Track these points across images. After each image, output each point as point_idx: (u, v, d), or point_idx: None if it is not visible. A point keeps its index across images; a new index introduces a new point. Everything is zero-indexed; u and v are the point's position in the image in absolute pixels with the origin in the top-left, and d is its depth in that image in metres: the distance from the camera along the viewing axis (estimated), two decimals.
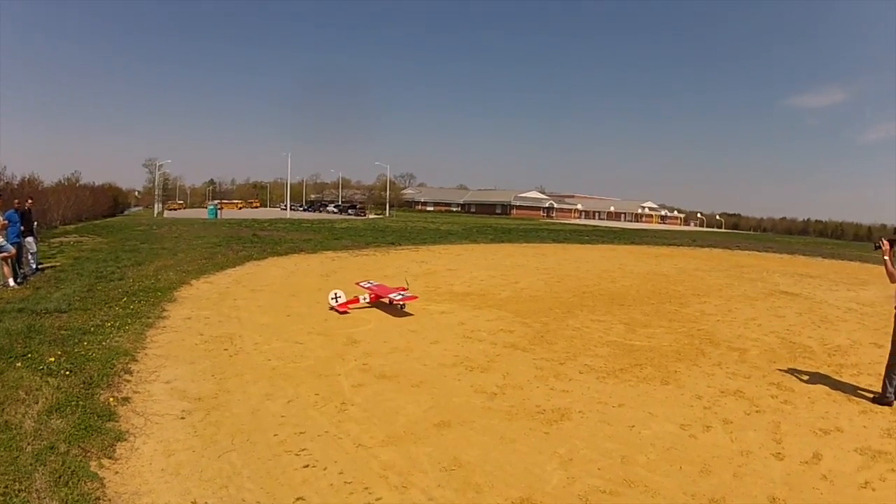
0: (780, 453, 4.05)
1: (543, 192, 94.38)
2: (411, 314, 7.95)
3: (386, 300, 8.26)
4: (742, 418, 4.75)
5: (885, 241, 4.99)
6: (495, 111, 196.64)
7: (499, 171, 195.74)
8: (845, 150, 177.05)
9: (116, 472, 3.13)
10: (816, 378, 6.04)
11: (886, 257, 4.99)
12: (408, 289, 8.50)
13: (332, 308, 7.93)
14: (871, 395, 5.37)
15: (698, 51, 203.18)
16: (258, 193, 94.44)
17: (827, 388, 5.68)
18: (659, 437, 4.26)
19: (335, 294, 8.02)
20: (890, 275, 5.02)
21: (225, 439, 3.63)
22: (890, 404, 5.12)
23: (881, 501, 3.43)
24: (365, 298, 8.24)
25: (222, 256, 12.68)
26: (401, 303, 8.17)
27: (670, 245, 28.13)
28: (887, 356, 5.18)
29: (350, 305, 8.04)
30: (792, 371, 6.27)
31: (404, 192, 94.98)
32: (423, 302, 8.41)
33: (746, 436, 4.37)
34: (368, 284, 8.84)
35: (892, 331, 5.03)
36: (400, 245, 18.67)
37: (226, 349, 5.67)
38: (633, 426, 4.42)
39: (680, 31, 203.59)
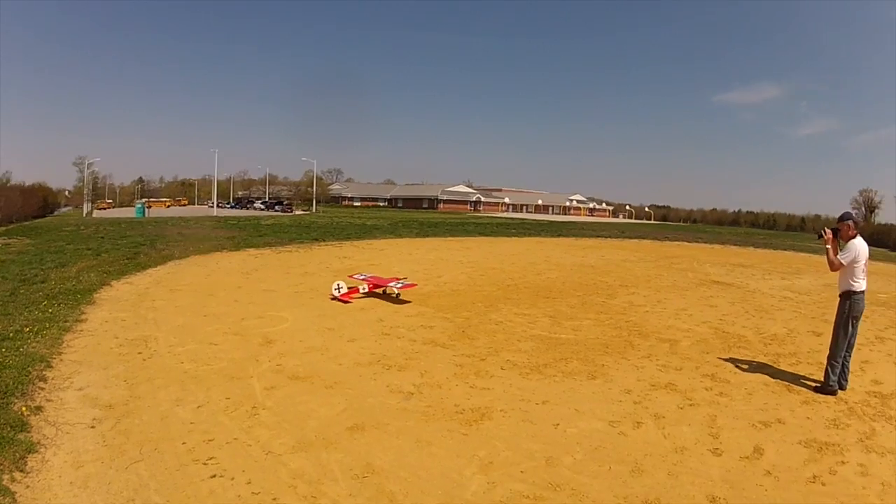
0: (717, 449, 4.71)
1: (471, 186, 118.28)
2: (348, 305, 9.76)
3: (388, 289, 11.11)
4: (675, 413, 5.52)
5: (827, 231, 6.47)
6: (422, 106, 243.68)
7: (427, 166, 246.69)
8: (779, 144, 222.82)
9: (28, 486, 3.81)
10: (753, 368, 7.20)
11: (828, 246, 6.44)
12: (405, 278, 11.61)
13: (333, 298, 10.50)
14: (814, 385, 6.52)
15: (632, 50, 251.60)
16: (186, 191, 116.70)
17: (765, 378, 6.80)
18: (586, 435, 4.90)
19: (338, 285, 10.68)
20: (831, 263, 6.45)
21: (133, 449, 4.34)
22: (834, 393, 6.24)
23: (832, 497, 4.07)
24: (363, 289, 11.03)
25: (145, 256, 15.45)
26: (398, 291, 11.01)
27: (598, 237, 34.47)
28: (828, 344, 6.46)
29: (352, 295, 10.72)
30: (726, 362, 7.42)
31: (331, 187, 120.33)
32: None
33: (680, 431, 5.05)
34: (362, 276, 11.75)
35: (830, 318, 6.22)
36: (324, 241, 22.77)
37: (140, 352, 6.79)
38: (559, 424, 5.08)
39: (611, 32, 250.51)
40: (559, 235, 34.37)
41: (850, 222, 6.39)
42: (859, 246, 6.27)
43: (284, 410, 5.17)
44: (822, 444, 5.00)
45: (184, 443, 4.46)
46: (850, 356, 6.52)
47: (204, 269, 14.25)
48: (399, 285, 11.12)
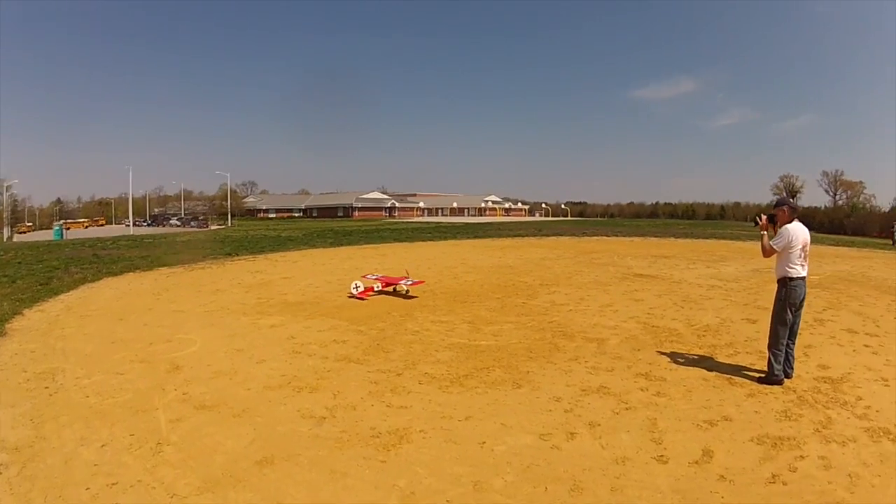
0: (662, 456, 4.63)
1: (385, 193, 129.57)
2: (239, 327, 9.90)
3: (398, 287, 13.14)
4: (611, 419, 5.44)
5: (763, 217, 6.76)
6: (333, 114, 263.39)
7: (341, 175, 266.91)
8: (696, 136, 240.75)
9: None
10: (689, 363, 7.32)
11: (763, 232, 6.70)
12: (408, 276, 13.79)
13: (351, 296, 12.51)
14: (758, 376, 6.68)
15: (544, 47, 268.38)
16: (104, 210, 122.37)
17: (703, 372, 6.91)
18: (516, 452, 4.76)
19: (356, 284, 12.75)
20: (763, 249, 6.72)
21: (38, 497, 4.27)
22: (780, 382, 6.40)
23: (796, 497, 4.04)
24: (378, 287, 13.21)
25: (58, 280, 15.90)
26: (407, 288, 12.98)
27: (515, 236, 36.48)
28: (768, 332, 6.67)
29: (368, 294, 12.72)
30: (660, 358, 7.54)
31: (246, 200, 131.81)
32: (252, 316, 10.73)
33: (619, 439, 4.96)
34: (374, 277, 14.01)
35: (763, 304, 6.46)
36: (237, 255, 23.99)
37: (46, 387, 6.78)
38: (485, 442, 4.98)
39: (523, 30, 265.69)
40: (476, 237, 36.19)
41: (786, 207, 6.66)
42: (794, 231, 6.46)
43: (190, 445, 5.08)
44: (775, 439, 5.02)
45: (87, 488, 4.38)
46: (793, 344, 6.70)
47: (116, 291, 14.41)
48: (409, 283, 13.06)
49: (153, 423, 5.62)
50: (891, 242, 40.41)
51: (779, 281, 6.64)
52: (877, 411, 5.72)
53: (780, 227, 6.61)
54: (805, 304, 6.75)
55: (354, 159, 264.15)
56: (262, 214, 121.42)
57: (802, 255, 6.50)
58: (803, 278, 6.51)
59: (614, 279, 15.41)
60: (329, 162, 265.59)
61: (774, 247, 6.56)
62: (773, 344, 6.54)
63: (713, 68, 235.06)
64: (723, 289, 13.76)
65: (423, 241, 33.44)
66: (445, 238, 35.46)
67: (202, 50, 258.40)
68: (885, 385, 6.57)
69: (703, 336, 8.91)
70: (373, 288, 13.05)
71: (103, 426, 5.55)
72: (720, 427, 5.28)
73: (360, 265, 19.60)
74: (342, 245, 30.23)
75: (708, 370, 7.05)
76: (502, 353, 7.86)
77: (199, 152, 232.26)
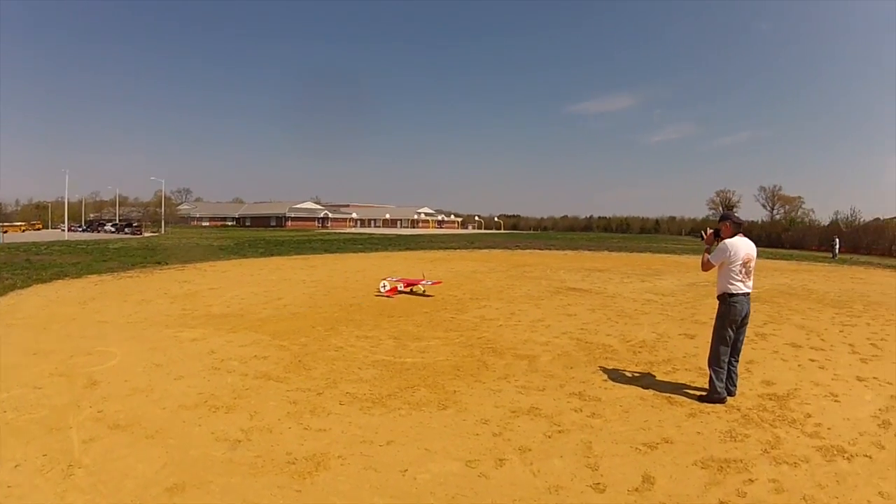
0: (599, 483, 4.40)
1: (319, 203, 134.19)
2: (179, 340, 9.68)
3: (416, 288, 15.15)
4: (543, 443, 5.18)
5: (708, 231, 6.78)
6: (270, 122, 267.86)
7: (275, 183, 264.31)
8: (632, 151, 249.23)
9: None
10: (625, 381, 7.17)
11: (707, 245, 6.70)
12: (425, 277, 16.41)
13: (378, 294, 14.69)
14: (699, 395, 6.59)
15: (478, 60, 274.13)
16: (41, 214, 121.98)
17: (640, 391, 6.76)
18: (440, 481, 4.53)
19: (383, 283, 14.82)
20: (703, 263, 6.72)
21: None
22: (723, 401, 6.32)
23: None
24: (401, 287, 15.21)
25: None
26: (424, 289, 15.16)
27: (447, 248, 37.68)
28: (709, 348, 6.62)
29: (394, 293, 14.73)
30: (594, 376, 7.38)
31: (180, 207, 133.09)
32: (175, 328, 10.55)
33: (552, 466, 4.70)
34: (396, 279, 16.12)
35: (701, 319, 6.33)
36: (167, 264, 24.19)
37: None
38: (407, 470, 4.75)
39: (459, 42, 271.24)
40: (407, 249, 37.25)
41: (728, 222, 6.63)
42: (735, 245, 6.42)
43: (101, 469, 4.88)
44: (721, 462, 4.87)
45: None
46: (736, 361, 6.65)
47: (43, 299, 14.19)
48: (428, 283, 15.17)
49: (66, 442, 5.43)
50: (831, 256, 42.45)
51: (719, 297, 6.61)
52: (828, 429, 5.68)
53: (722, 241, 6.59)
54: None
55: (289, 168, 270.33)
56: (195, 222, 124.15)
57: (744, 270, 6.44)
58: (745, 294, 6.46)
59: (547, 293, 15.46)
60: (264, 171, 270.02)
61: (712, 261, 6.57)
62: (714, 361, 6.47)
63: (651, 85, 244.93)
64: (658, 303, 13.90)
65: (354, 252, 34.07)
66: (377, 250, 36.15)
67: (145, 59, 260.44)
68: (835, 401, 6.59)
69: (639, 352, 8.83)
70: (396, 288, 14.86)
71: (18, 444, 5.39)
72: (661, 450, 5.08)
73: (288, 276, 19.85)
74: (272, 255, 30.67)
75: (645, 388, 6.92)
76: (428, 371, 7.65)
77: (136, 158, 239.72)
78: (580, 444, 5.19)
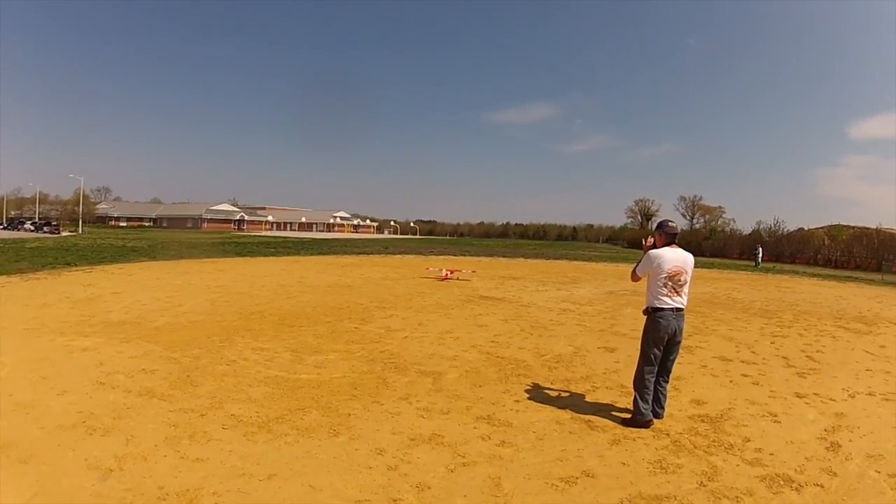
0: None
1: (236, 205, 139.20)
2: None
3: (459, 275, 21.67)
4: (444, 479, 4.60)
5: (648, 239, 6.39)
6: (190, 121, 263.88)
7: (194, 184, 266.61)
8: (552, 159, 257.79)
9: None
10: (539, 401, 6.64)
11: (644, 254, 6.25)
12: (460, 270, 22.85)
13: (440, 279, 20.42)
14: (623, 417, 6.12)
15: (404, 69, 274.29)
16: None
17: (557, 413, 6.23)
18: None
19: (439, 269, 22.55)
20: (632, 273, 6.37)
21: None
22: (648, 424, 5.85)
23: None
24: (451, 273, 21.63)
25: None
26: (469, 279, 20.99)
27: (361, 254, 38.12)
28: (626, 362, 6.22)
29: (449, 276, 21.19)
30: (505, 396, 6.81)
31: (99, 207, 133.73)
32: (69, 336, 10.10)
33: None
34: (445, 271, 21.99)
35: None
36: (76, 265, 24.00)
37: None
38: None
39: (386, 51, 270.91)
40: (320, 253, 37.78)
41: (660, 231, 6.27)
42: (661, 256, 6.04)
43: None
44: (651, 498, 4.36)
45: None
46: (665, 382, 6.24)
47: None
48: (468, 272, 21.49)
49: None
50: (753, 264, 44.08)
51: (644, 311, 6.22)
52: (770, 454, 5.29)
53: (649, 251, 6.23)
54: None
55: (208, 168, 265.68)
56: (113, 222, 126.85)
57: (670, 283, 6.01)
58: (673, 310, 6.01)
59: (457, 302, 15.23)
60: (184, 170, 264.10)
61: (637, 272, 6.28)
62: (638, 382, 6.04)
63: (574, 95, 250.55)
64: (575, 313, 13.72)
65: (267, 256, 34.54)
66: (289, 254, 36.73)
67: (58, 54, 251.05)
68: (775, 421, 6.25)
69: (555, 368, 8.36)
70: (449, 273, 20.65)
71: None
72: (580, 486, 4.53)
73: (194, 280, 19.57)
74: (184, 258, 30.49)
75: (562, 410, 6.39)
76: (323, 389, 7.12)
77: (59, 154, 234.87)
78: (487, 481, 4.59)
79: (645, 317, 6.17)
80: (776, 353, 9.92)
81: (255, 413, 6.30)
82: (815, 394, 7.48)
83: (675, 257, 6.03)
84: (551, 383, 7.51)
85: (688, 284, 6.10)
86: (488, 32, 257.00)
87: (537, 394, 7.01)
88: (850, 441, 5.79)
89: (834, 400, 7.24)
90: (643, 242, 6.50)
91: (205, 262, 28.03)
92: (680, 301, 6.03)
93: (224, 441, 5.51)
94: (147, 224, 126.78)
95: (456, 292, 17.25)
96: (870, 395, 7.65)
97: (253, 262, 29.09)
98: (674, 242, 6.15)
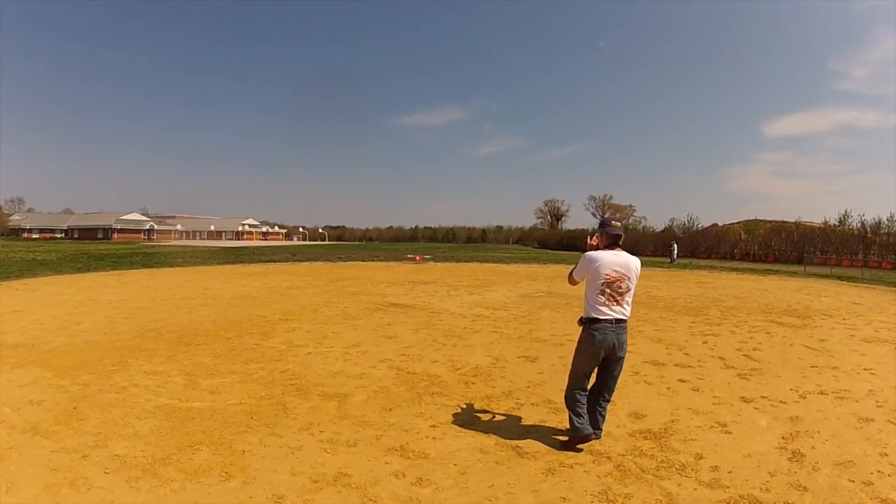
0: None
1: (146, 214, 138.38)
2: None
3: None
4: None
5: (592, 238, 5.70)
6: (96, 130, 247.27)
7: (106, 193, 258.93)
8: (460, 162, 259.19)
9: None
10: (459, 424, 5.94)
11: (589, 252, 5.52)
12: None
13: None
14: (556, 440, 5.45)
15: (300, 69, 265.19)
16: None
17: (479, 439, 5.53)
18: None
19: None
20: (568, 276, 5.71)
21: None
22: (589, 438, 5.20)
23: None
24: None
25: None
26: None
27: (268, 262, 37.54)
28: (560, 376, 5.54)
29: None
30: (418, 421, 6.07)
31: (12, 218, 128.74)
32: None
33: None
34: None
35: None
36: None
37: None
38: None
39: (292, 50, 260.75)
40: (226, 262, 36.78)
41: (601, 231, 5.58)
42: (597, 259, 5.34)
43: None
44: None
45: None
46: (605, 402, 5.59)
47: None
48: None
49: None
50: (669, 261, 45.11)
51: (579, 321, 5.52)
52: (729, 472, 4.73)
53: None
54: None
55: (119, 177, 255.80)
56: (25, 234, 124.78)
57: (608, 290, 5.32)
58: (612, 321, 5.31)
59: (366, 311, 14.57)
60: (95, 178, 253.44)
61: (573, 275, 5.59)
62: (570, 399, 5.38)
63: (482, 98, 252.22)
64: (490, 318, 13.22)
65: (173, 267, 33.43)
66: (196, 264, 35.67)
67: None
68: (726, 432, 5.71)
69: (473, 383, 7.64)
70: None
71: None
72: None
73: (96, 295, 18.63)
74: (91, 271, 29.55)
75: (486, 435, 5.66)
76: (216, 420, 6.32)
77: None
78: None
79: (580, 328, 5.49)
80: (711, 354, 9.59)
81: (141, 452, 5.55)
82: (762, 397, 7.07)
83: (616, 261, 5.36)
84: (470, 401, 6.81)
85: (630, 293, 5.42)
86: (393, 34, 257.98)
87: (455, 416, 6.29)
88: (813, 448, 5.35)
89: (785, 402, 6.85)
90: (587, 241, 5.79)
91: (110, 275, 27.18)
92: (620, 311, 5.37)
93: (105, 489, 4.85)
94: (59, 236, 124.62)
95: (364, 300, 16.61)
96: (821, 393, 7.34)
97: (158, 274, 28.30)
98: (617, 245, 5.48)
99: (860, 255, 53.46)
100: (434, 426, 5.90)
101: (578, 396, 5.33)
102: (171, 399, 7.28)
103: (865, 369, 8.83)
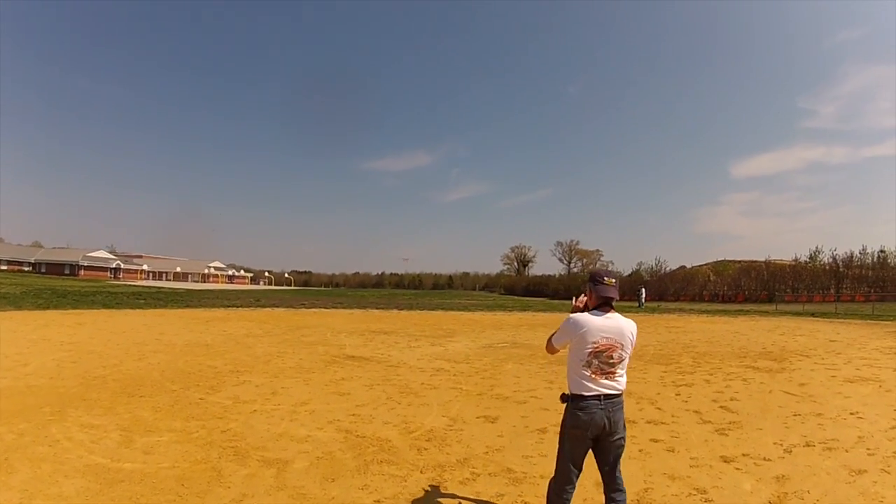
0: None
1: (114, 253, 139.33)
2: None
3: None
4: None
5: (579, 297, 4.76)
6: (71, 164, 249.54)
7: (76, 228, 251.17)
8: (428, 207, 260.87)
9: None
10: (405, 498, 5.39)
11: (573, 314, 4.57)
12: None
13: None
14: None
15: (268, 112, 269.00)
16: None
17: None
18: None
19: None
20: (546, 343, 4.68)
21: None
22: None
23: None
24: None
25: None
26: None
27: (230, 307, 36.75)
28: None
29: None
30: (363, 495, 5.47)
31: None
32: None
33: None
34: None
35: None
36: None
37: None
38: None
39: (252, 95, 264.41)
40: (187, 306, 36.05)
41: (590, 286, 4.58)
42: (584, 323, 4.38)
43: None
44: None
45: None
46: (616, 493, 4.52)
47: None
48: None
49: None
50: (637, 305, 45.01)
51: (561, 398, 4.56)
52: None
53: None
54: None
55: (88, 212, 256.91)
56: None
57: (597, 361, 4.37)
58: (599, 398, 4.34)
59: (320, 363, 13.89)
60: (66, 212, 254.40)
61: (553, 341, 4.58)
62: (551, 493, 4.49)
63: (451, 143, 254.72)
64: (450, 373, 12.63)
65: (134, 308, 33.00)
66: (158, 306, 35.13)
67: None
68: (706, 501, 5.24)
69: (426, 449, 7.05)
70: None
71: None
72: None
73: (50, 335, 18.29)
74: (50, 308, 29.75)
75: None
76: (146, 485, 5.76)
77: None
78: None
79: (563, 405, 4.57)
80: (685, 408, 9.11)
81: None
82: (744, 455, 6.58)
83: (606, 325, 4.42)
84: (421, 471, 6.19)
85: (624, 363, 4.47)
86: (362, 77, 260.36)
87: (403, 488, 5.68)
88: None
89: (769, 459, 6.38)
90: (573, 301, 4.84)
91: (68, 314, 26.80)
92: (611, 386, 4.41)
93: None
94: (27, 269, 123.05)
95: (321, 351, 15.91)
96: (808, 445, 6.92)
97: (117, 315, 27.67)
98: (610, 307, 4.50)
99: (832, 290, 54.20)
100: (378, 501, 5.35)
101: (563, 493, 4.45)
102: (102, 457, 6.77)
103: (852, 413, 8.54)
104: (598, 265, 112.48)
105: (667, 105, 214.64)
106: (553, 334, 4.57)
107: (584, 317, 4.39)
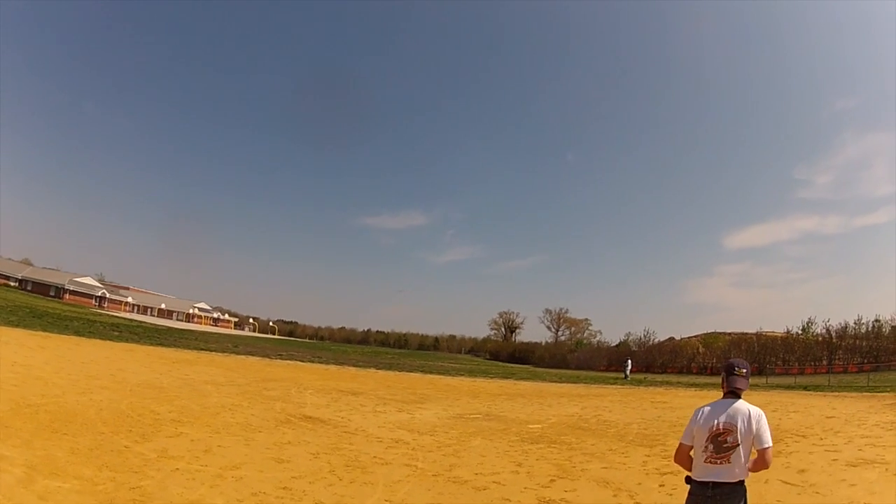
0: None
1: (102, 281, 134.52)
2: None
3: None
4: None
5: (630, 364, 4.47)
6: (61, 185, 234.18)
7: (70, 251, 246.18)
8: (419, 267, 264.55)
9: None
10: None
11: None
12: None
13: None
14: None
15: (269, 161, 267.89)
16: None
17: None
18: None
19: None
20: (676, 452, 4.74)
21: None
22: None
23: None
24: None
25: None
26: None
27: (206, 350, 35.36)
28: None
29: None
30: None
31: None
32: None
33: None
34: None
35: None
36: None
37: None
38: None
39: (257, 145, 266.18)
40: (160, 344, 34.48)
41: (722, 375, 4.72)
42: (706, 409, 4.56)
43: None
44: None
45: None
46: None
47: None
48: None
49: None
50: (623, 377, 43.63)
51: (686, 478, 4.62)
52: None
53: None
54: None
55: (82, 236, 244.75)
56: None
57: (712, 446, 4.35)
58: (708, 485, 4.30)
59: (272, 422, 12.76)
60: (59, 234, 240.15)
61: (681, 441, 4.63)
62: None
63: (446, 205, 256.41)
64: (410, 445, 11.38)
65: (106, 339, 31.61)
66: (130, 340, 33.83)
67: None
68: None
69: None
70: None
71: None
72: None
73: (5, 354, 17.31)
74: (20, 327, 28.28)
75: None
76: None
77: None
78: None
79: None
80: (670, 502, 7.93)
81: None
82: None
83: (726, 410, 4.44)
84: None
85: (740, 449, 4.28)
86: (366, 135, 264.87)
87: None
88: None
89: None
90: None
91: (35, 336, 25.60)
92: (722, 472, 4.29)
93: None
94: (13, 284, 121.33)
95: (277, 408, 14.82)
96: None
97: (84, 344, 26.53)
98: (737, 396, 4.53)
99: (824, 362, 53.01)
100: None
101: None
102: None
103: None
104: (585, 334, 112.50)
105: (663, 175, 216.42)
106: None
107: (707, 405, 4.55)
